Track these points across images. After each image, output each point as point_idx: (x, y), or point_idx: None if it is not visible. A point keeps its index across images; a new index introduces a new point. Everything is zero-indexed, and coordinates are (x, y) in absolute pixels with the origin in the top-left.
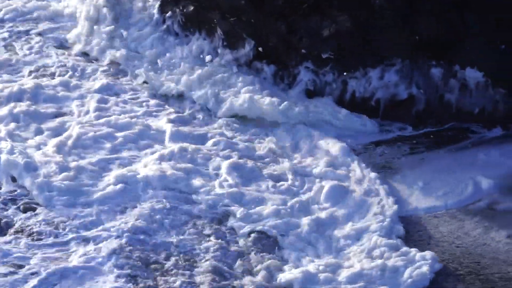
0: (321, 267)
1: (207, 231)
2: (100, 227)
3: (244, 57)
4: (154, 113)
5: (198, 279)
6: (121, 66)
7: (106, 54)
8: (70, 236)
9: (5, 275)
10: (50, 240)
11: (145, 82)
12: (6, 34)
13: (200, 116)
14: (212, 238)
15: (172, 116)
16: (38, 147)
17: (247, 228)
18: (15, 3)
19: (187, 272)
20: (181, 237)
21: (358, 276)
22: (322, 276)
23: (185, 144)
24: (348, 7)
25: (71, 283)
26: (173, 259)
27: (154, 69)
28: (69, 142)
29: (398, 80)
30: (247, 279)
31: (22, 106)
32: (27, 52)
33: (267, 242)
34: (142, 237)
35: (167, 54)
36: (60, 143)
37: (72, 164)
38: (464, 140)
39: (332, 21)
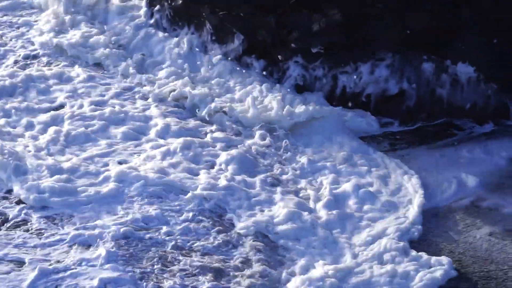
0: (330, 272)
1: (208, 227)
2: (97, 225)
3: (234, 51)
4: (149, 108)
5: (198, 278)
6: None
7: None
8: (66, 233)
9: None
10: (47, 238)
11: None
12: None
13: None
14: (213, 235)
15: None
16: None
17: (251, 228)
18: None
19: (188, 269)
20: (184, 237)
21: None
22: (328, 282)
23: (182, 139)
24: (338, 1)
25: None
26: (172, 256)
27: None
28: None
29: (389, 75)
30: (248, 281)
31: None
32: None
33: (271, 243)
34: (141, 234)
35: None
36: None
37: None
38: (450, 137)
39: (322, 15)
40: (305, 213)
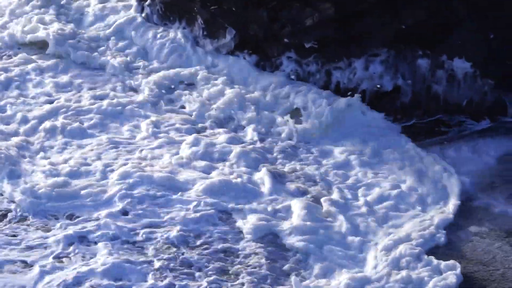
0: (345, 281)
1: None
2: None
3: (225, 46)
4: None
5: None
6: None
7: None
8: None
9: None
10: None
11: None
12: None
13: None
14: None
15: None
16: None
17: (262, 229)
18: None
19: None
20: (191, 234)
21: None
22: None
23: (193, 136)
24: None
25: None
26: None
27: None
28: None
29: (383, 71)
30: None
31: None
32: None
33: (284, 247)
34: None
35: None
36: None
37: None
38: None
39: (315, 9)
40: (323, 214)
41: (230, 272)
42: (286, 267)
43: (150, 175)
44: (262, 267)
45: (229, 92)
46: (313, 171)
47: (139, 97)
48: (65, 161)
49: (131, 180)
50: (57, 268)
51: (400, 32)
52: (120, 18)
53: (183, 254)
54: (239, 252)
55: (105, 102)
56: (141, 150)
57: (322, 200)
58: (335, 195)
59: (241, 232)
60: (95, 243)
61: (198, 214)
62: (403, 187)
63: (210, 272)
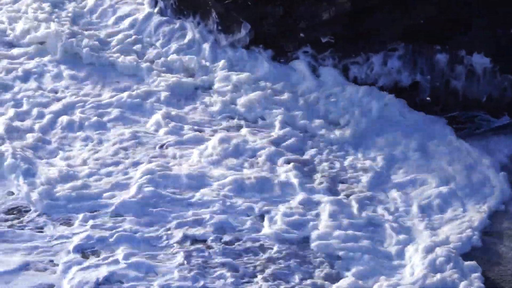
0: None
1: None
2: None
3: (240, 41)
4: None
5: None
6: None
7: None
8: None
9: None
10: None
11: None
12: None
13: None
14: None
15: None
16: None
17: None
18: None
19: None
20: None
21: None
22: None
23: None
24: None
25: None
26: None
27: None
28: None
29: (401, 66)
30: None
31: None
32: None
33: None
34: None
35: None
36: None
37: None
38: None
39: (331, 3)
40: (357, 213)
41: (257, 272)
42: (317, 269)
43: (177, 173)
44: (291, 267)
45: (253, 87)
46: (346, 169)
47: (157, 94)
48: (84, 161)
49: (155, 177)
50: (81, 266)
51: (418, 26)
52: (134, 13)
53: (210, 253)
54: (268, 252)
55: (125, 94)
56: (165, 147)
57: (354, 198)
58: (370, 193)
59: (271, 231)
60: (119, 241)
61: (225, 214)
62: (450, 185)
63: (237, 273)
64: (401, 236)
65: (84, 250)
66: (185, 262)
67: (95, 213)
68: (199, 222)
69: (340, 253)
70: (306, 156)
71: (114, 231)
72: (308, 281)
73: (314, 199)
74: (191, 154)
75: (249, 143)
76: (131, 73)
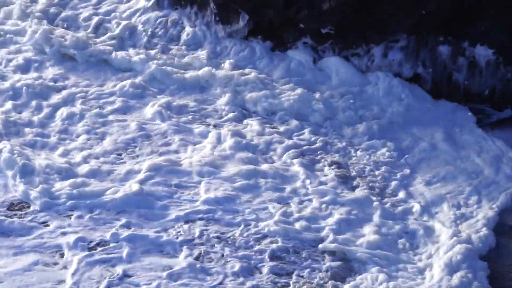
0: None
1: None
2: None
3: (239, 32)
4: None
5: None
6: None
7: None
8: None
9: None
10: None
11: None
12: None
13: None
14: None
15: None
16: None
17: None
18: None
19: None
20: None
21: None
22: None
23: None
24: None
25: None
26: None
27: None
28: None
29: (403, 58)
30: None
31: None
32: None
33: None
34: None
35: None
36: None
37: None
38: None
39: None
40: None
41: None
42: (331, 267)
43: (183, 167)
44: (303, 263)
45: (251, 79)
46: (355, 164)
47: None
48: (85, 159)
49: (161, 171)
50: (89, 259)
51: (420, 18)
52: (131, 5)
53: (218, 247)
54: (278, 248)
55: (127, 83)
56: (171, 141)
57: (374, 196)
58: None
59: (284, 226)
60: (125, 240)
61: (234, 208)
62: (478, 179)
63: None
64: (423, 232)
65: (91, 246)
66: (192, 256)
67: (98, 209)
68: (207, 217)
69: (358, 250)
70: (316, 146)
71: (119, 226)
72: (323, 279)
73: (328, 193)
74: (196, 147)
75: (255, 136)
76: (128, 67)
